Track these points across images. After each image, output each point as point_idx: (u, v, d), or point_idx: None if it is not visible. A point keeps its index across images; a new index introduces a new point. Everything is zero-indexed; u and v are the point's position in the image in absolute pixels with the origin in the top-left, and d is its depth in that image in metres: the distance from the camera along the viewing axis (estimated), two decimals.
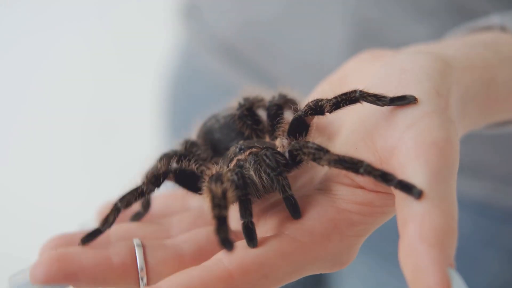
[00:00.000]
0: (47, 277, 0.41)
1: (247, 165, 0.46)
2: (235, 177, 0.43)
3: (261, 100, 0.54)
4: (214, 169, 0.47)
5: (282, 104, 0.52)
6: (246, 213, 0.43)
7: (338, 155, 0.42)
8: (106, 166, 1.70)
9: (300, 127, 0.47)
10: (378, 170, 0.41)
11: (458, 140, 0.42)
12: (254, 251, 0.42)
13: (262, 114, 0.54)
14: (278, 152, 0.46)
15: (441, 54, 0.48)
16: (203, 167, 0.49)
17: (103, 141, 1.71)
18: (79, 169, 1.72)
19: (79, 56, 1.81)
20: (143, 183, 0.46)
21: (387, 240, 0.71)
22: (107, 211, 0.46)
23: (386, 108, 0.44)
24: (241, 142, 0.50)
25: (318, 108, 0.46)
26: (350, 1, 0.79)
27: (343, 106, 0.45)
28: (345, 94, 0.45)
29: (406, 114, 0.43)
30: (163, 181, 0.47)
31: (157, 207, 0.53)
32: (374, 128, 0.44)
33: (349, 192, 0.45)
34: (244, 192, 0.43)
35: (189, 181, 0.48)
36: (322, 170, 0.49)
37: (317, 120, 0.48)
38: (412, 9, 0.78)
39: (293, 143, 0.45)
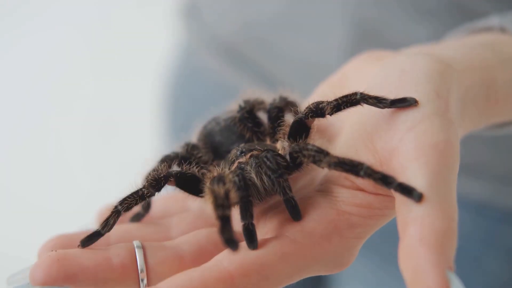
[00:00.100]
0: (47, 278, 0.41)
1: (248, 167, 0.46)
2: (236, 179, 0.43)
3: (262, 102, 0.54)
4: (215, 171, 0.47)
5: (282, 106, 0.52)
6: (246, 214, 0.43)
7: (338, 157, 0.42)
8: (106, 166, 1.70)
9: (300, 129, 0.48)
10: (378, 172, 0.41)
11: (458, 142, 0.42)
12: (254, 253, 0.42)
13: (263, 116, 0.54)
14: (279, 155, 0.46)
15: (440, 55, 0.48)
16: (204, 170, 0.49)
17: (103, 141, 1.71)
18: (79, 169, 1.72)
19: (79, 56, 1.81)
20: (144, 186, 0.46)
21: (387, 241, 0.71)
22: (107, 213, 0.46)
23: (386, 110, 0.44)
24: (242, 145, 0.50)
25: (318, 110, 0.46)
26: (350, 1, 0.79)
27: (344, 108, 0.45)
28: (346, 96, 0.45)
29: (407, 116, 0.43)
30: (163, 185, 0.47)
31: (157, 208, 0.53)
32: (374, 130, 0.44)
33: (349, 194, 0.45)
34: (245, 194, 0.43)
35: (190, 184, 0.48)
36: (322, 172, 0.49)
37: (317, 122, 0.48)
38: (412, 10, 0.78)
39: (293, 145, 0.45)
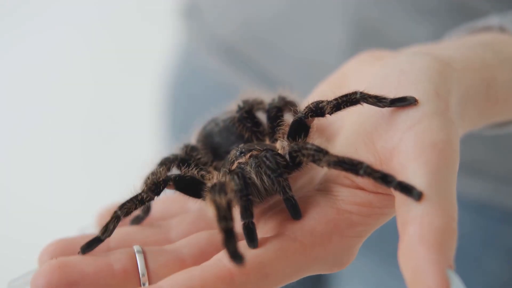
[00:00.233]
0: (48, 286, 0.41)
1: (248, 168, 0.46)
2: (236, 178, 0.43)
3: (261, 102, 0.54)
4: (214, 174, 0.47)
5: (282, 106, 0.52)
6: (247, 213, 0.43)
7: (337, 157, 0.42)
8: (106, 166, 1.70)
9: (300, 129, 0.47)
10: (378, 171, 0.41)
11: (458, 141, 0.42)
12: (254, 251, 0.42)
13: (262, 116, 0.54)
14: (278, 154, 0.46)
15: (440, 55, 0.48)
16: (203, 172, 0.49)
17: (103, 141, 1.71)
18: (79, 170, 1.72)
19: (79, 56, 1.81)
20: (143, 190, 0.46)
21: (387, 241, 0.71)
22: (106, 218, 0.46)
23: (386, 110, 0.44)
24: (241, 145, 0.50)
25: (318, 110, 0.46)
26: (350, 1, 0.79)
27: (344, 107, 0.45)
28: (346, 95, 0.45)
29: (407, 116, 0.43)
30: (163, 189, 0.46)
31: (156, 209, 0.53)
32: (374, 129, 0.44)
33: (349, 193, 0.45)
34: (245, 193, 0.43)
35: (190, 187, 0.48)
36: (322, 171, 0.49)
37: (317, 121, 0.48)
38: (412, 9, 0.78)
39: (292, 144, 0.45)
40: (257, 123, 0.53)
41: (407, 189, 0.39)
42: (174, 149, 0.54)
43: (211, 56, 0.93)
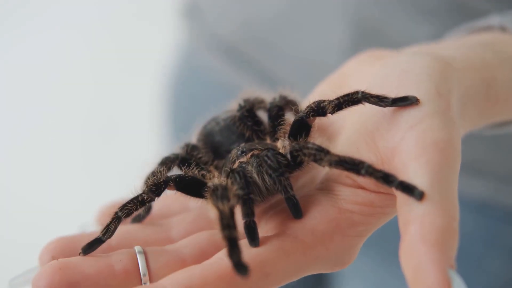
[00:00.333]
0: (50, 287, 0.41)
1: (250, 167, 0.46)
2: (237, 176, 0.43)
3: (262, 101, 0.54)
4: (215, 173, 0.47)
5: (283, 105, 0.52)
6: (248, 212, 0.43)
7: (339, 156, 0.42)
8: (107, 166, 1.70)
9: (301, 128, 0.47)
10: (379, 171, 0.41)
11: (459, 141, 0.42)
12: (255, 250, 0.42)
13: (263, 116, 0.54)
14: (280, 153, 0.46)
15: (441, 54, 0.48)
16: (203, 172, 0.49)
17: (104, 141, 1.71)
18: (80, 170, 1.72)
19: (79, 56, 1.81)
20: (144, 191, 0.46)
21: (388, 240, 0.71)
22: (107, 216, 0.46)
23: (387, 109, 0.44)
24: (242, 144, 0.50)
25: (320, 109, 0.46)
26: (350, 0, 0.79)
27: (345, 107, 0.45)
28: (347, 95, 0.45)
29: (408, 115, 0.43)
30: (163, 189, 0.46)
31: (157, 207, 0.53)
32: (375, 129, 0.44)
33: (350, 193, 0.45)
34: (246, 191, 0.43)
35: (191, 188, 0.48)
36: (323, 170, 0.49)
37: (318, 121, 0.48)
38: (413, 9, 0.78)
39: (293, 144, 0.45)
40: (258, 122, 0.53)
41: (408, 189, 0.39)
42: (175, 148, 0.54)
43: (212, 55, 0.93)
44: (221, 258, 0.41)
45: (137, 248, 0.44)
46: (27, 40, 1.80)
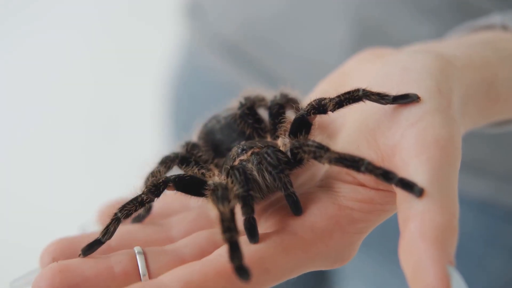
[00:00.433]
0: None
1: (250, 165, 0.46)
2: (237, 173, 0.43)
3: (262, 99, 0.54)
4: (215, 171, 0.47)
5: (283, 103, 0.52)
6: (248, 208, 0.43)
7: (338, 153, 0.42)
8: (108, 166, 1.70)
9: (302, 126, 0.47)
10: (379, 168, 0.41)
11: (460, 138, 0.42)
12: (255, 246, 0.42)
13: (263, 114, 0.54)
14: (280, 150, 0.47)
15: (441, 53, 0.48)
16: (203, 170, 0.49)
17: (105, 142, 1.71)
18: (81, 170, 1.72)
19: (81, 56, 1.81)
20: (143, 192, 0.46)
21: (390, 240, 0.71)
22: (107, 215, 0.46)
23: (388, 106, 0.44)
24: (242, 142, 0.50)
25: (321, 107, 0.46)
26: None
27: (346, 104, 0.45)
28: (348, 93, 0.45)
29: (409, 113, 0.43)
30: (162, 190, 0.46)
31: (157, 206, 0.53)
32: (376, 126, 0.44)
33: (350, 190, 0.45)
34: (246, 188, 0.43)
35: (190, 187, 0.48)
36: (323, 167, 0.49)
37: (319, 118, 0.48)
38: (414, 8, 0.78)
39: (293, 141, 0.45)
40: (258, 119, 0.53)
41: (408, 186, 0.39)
42: (176, 147, 0.54)
43: (214, 55, 0.94)
44: (221, 254, 0.41)
45: (136, 249, 0.45)
46: (28, 41, 1.81)
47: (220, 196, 0.42)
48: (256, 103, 0.54)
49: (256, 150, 0.47)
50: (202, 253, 0.45)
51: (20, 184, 1.68)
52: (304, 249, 0.42)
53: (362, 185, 0.45)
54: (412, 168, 0.40)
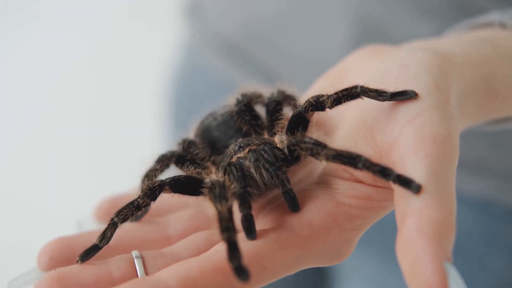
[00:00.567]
0: None
1: (247, 162, 0.46)
2: (234, 169, 0.43)
3: (259, 96, 0.54)
4: (212, 169, 0.47)
5: (281, 100, 0.52)
6: (245, 205, 0.43)
7: (336, 150, 0.42)
8: (109, 166, 1.70)
9: (299, 123, 0.47)
10: (376, 165, 0.41)
11: (457, 135, 0.42)
12: (252, 243, 0.42)
13: (260, 111, 0.54)
14: (277, 147, 0.46)
15: (440, 50, 0.48)
16: (199, 169, 0.49)
17: (105, 141, 1.71)
18: (81, 170, 1.72)
19: (81, 56, 1.81)
20: (139, 196, 0.46)
21: (389, 239, 0.71)
22: (104, 218, 0.46)
23: (386, 103, 0.44)
24: (239, 139, 0.50)
25: (318, 104, 0.46)
26: None
27: (344, 101, 0.45)
28: (346, 89, 0.45)
29: (407, 109, 0.43)
30: (158, 194, 0.46)
31: (155, 204, 0.53)
32: (374, 123, 0.44)
33: (348, 186, 0.45)
34: (243, 185, 0.43)
35: (187, 187, 0.47)
36: (320, 164, 0.49)
37: (316, 115, 0.48)
38: (414, 7, 0.78)
39: (290, 138, 0.45)
40: (255, 116, 0.53)
41: (406, 182, 0.39)
42: (173, 144, 0.54)
43: (214, 54, 0.94)
44: (219, 250, 0.41)
45: (134, 253, 0.44)
46: (29, 41, 1.81)
47: (218, 194, 0.41)
48: (253, 100, 0.53)
49: (253, 147, 0.47)
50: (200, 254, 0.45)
51: (19, 184, 1.68)
52: (302, 246, 0.42)
53: (360, 181, 0.44)
54: (409, 164, 0.40)
